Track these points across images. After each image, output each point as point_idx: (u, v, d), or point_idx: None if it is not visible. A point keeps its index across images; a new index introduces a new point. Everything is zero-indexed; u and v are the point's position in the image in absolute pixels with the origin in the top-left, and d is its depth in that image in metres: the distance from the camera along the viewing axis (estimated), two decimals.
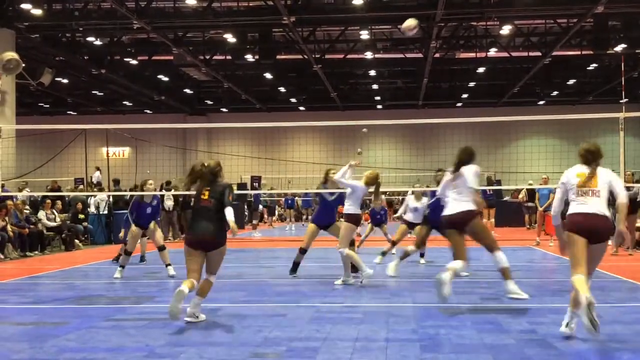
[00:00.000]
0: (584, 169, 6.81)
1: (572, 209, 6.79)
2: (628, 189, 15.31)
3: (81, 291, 10.48)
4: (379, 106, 41.80)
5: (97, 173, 29.90)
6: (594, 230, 6.59)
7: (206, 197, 7.84)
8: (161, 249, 12.35)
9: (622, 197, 6.63)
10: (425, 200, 13.80)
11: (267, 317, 8.01)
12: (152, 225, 12.65)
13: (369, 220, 17.95)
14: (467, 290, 9.92)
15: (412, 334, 6.91)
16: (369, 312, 8.24)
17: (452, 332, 6.90)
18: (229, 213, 7.62)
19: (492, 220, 22.49)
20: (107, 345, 6.61)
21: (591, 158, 6.85)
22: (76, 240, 19.28)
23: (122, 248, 12.75)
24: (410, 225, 13.82)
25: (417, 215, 13.65)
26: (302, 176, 33.02)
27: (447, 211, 8.65)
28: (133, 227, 12.41)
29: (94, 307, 8.98)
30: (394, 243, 13.97)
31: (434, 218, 11.58)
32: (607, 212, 6.64)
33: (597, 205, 6.63)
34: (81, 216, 20.50)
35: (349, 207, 10.64)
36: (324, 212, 11.85)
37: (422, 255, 13.98)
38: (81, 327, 7.47)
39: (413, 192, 14.32)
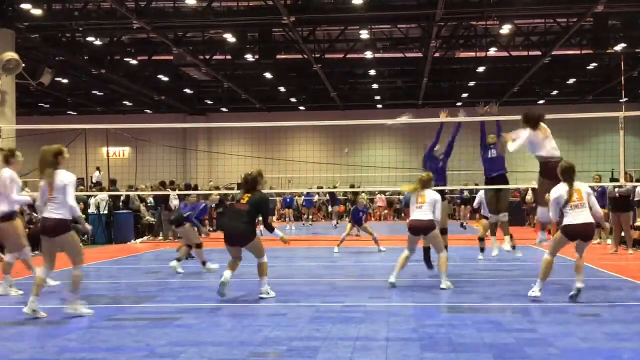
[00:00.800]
0: (566, 188, 8.63)
1: (568, 220, 8.55)
2: (620, 186, 15.40)
3: (81, 291, 10.46)
4: (379, 106, 41.78)
5: (97, 173, 29.91)
6: (585, 235, 8.65)
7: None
8: (198, 246, 12.70)
9: (598, 209, 8.89)
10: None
11: (268, 316, 8.02)
12: (187, 225, 12.96)
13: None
14: (467, 290, 9.93)
15: (413, 333, 6.92)
16: (369, 311, 8.25)
17: (452, 331, 6.91)
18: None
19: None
20: (107, 345, 6.62)
21: (568, 177, 8.65)
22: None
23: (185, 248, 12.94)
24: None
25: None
26: (302, 175, 33.03)
27: None
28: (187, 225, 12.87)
29: (95, 306, 8.97)
30: (481, 239, 14.20)
31: None
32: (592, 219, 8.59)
33: (587, 215, 8.55)
34: (82, 216, 20.49)
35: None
36: None
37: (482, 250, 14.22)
38: (82, 327, 7.48)
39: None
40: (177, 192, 21.43)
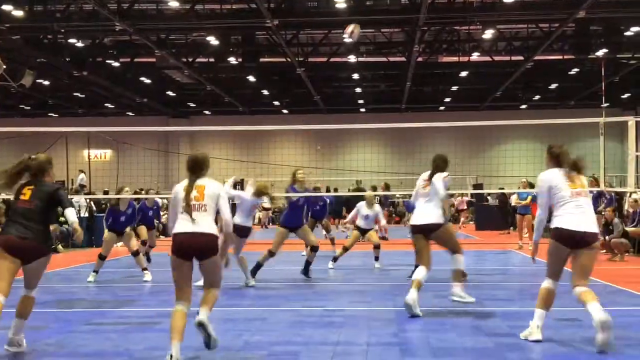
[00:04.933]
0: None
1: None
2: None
3: (61, 295, 10.41)
4: (362, 109, 41.84)
5: (82, 175, 29.73)
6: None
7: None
8: (135, 254, 12.31)
9: None
10: (377, 208, 14.08)
11: (248, 321, 8.00)
12: (127, 230, 12.56)
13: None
14: (447, 294, 9.94)
15: (393, 337, 6.93)
16: (349, 315, 8.25)
17: (433, 336, 6.92)
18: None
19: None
20: (86, 349, 6.57)
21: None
22: (59, 245, 19.13)
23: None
24: (362, 232, 14.01)
25: (368, 222, 13.95)
26: (285, 179, 32.91)
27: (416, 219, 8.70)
28: (107, 233, 12.36)
29: (74, 311, 8.94)
30: (345, 249, 13.92)
31: None
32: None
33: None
34: (62, 219, 20.34)
35: (236, 219, 10.34)
36: (292, 214, 11.74)
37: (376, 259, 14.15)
38: (61, 332, 7.42)
39: (365, 199, 14.38)
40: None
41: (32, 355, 6.33)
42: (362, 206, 14.07)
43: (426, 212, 8.52)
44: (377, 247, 13.99)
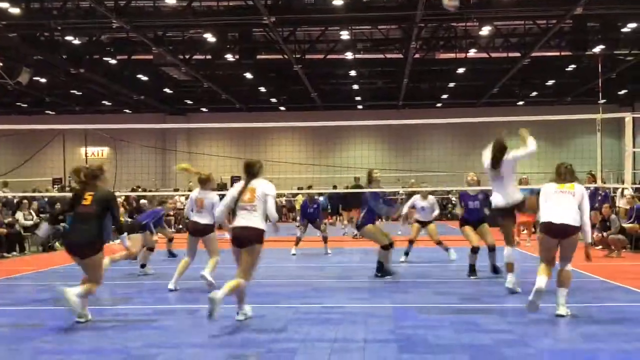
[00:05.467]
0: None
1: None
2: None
3: (56, 293, 10.38)
4: (360, 106, 41.83)
5: None
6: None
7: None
8: (150, 250, 12.78)
9: None
10: (432, 199, 14.41)
11: (246, 318, 7.99)
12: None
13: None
14: (445, 291, 9.96)
15: (390, 334, 6.93)
16: (347, 312, 8.25)
17: (430, 333, 6.93)
18: None
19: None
20: (84, 347, 6.57)
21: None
22: (56, 243, 19.12)
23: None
24: (422, 224, 14.31)
25: (425, 214, 14.24)
26: (282, 176, 32.96)
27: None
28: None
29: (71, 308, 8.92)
30: (411, 242, 14.19)
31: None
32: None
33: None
34: (60, 217, 20.28)
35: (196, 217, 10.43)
36: (371, 213, 11.62)
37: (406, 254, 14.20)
38: (58, 329, 7.42)
39: (419, 192, 14.74)
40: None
41: (29, 353, 6.33)
42: (417, 199, 14.38)
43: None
44: (411, 242, 14.17)
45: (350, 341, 6.65)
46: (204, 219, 10.25)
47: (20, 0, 21.91)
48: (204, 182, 10.46)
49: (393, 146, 41.18)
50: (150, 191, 24.54)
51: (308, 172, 35.39)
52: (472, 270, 11.45)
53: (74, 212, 7.79)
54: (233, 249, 7.56)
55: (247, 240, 7.43)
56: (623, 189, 18.50)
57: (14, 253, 17.40)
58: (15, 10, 21.83)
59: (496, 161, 9.61)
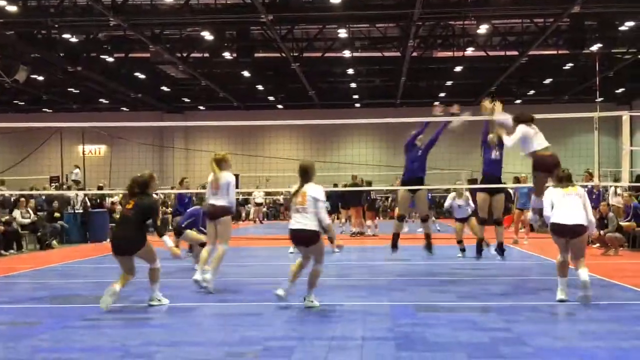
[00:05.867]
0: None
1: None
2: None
3: (56, 290, 10.40)
4: (357, 104, 41.82)
5: (77, 170, 29.68)
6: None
7: None
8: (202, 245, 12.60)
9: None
10: (467, 193, 14.89)
11: (244, 316, 8.00)
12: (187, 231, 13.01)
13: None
14: (443, 289, 9.97)
15: (388, 332, 6.93)
16: (345, 310, 8.26)
17: (428, 331, 6.93)
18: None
19: None
20: (81, 345, 6.56)
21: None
22: (54, 241, 19.10)
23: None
24: (462, 220, 14.77)
25: (463, 211, 14.76)
26: (279, 174, 32.96)
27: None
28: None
29: (69, 306, 8.93)
30: (459, 242, 14.56)
31: None
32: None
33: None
34: (57, 215, 20.30)
35: None
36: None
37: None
38: (55, 327, 7.41)
39: (455, 190, 15.25)
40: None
41: (27, 351, 6.33)
42: (453, 198, 14.89)
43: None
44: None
45: (348, 339, 6.65)
46: (219, 201, 9.91)
47: None
48: (219, 162, 10.12)
49: (391, 144, 41.07)
50: None
51: None
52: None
53: (120, 212, 8.62)
54: (297, 247, 8.64)
55: (305, 242, 8.31)
56: (616, 187, 18.54)
57: (12, 251, 17.38)
58: (13, 8, 21.79)
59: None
